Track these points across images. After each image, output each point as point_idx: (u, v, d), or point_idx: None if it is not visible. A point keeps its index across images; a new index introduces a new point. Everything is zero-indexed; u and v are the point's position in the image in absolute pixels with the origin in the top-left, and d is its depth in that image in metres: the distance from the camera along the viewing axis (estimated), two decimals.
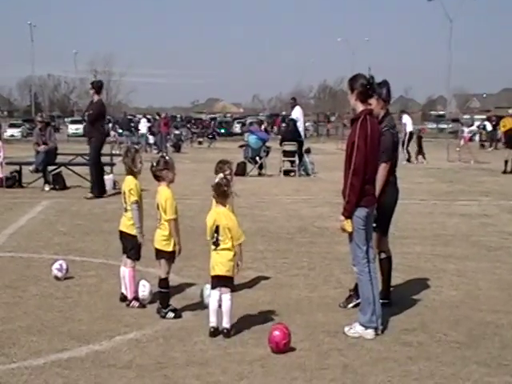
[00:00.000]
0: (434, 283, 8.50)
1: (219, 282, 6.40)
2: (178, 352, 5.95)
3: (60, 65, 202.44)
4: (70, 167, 19.29)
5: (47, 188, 17.77)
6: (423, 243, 11.09)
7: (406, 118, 31.39)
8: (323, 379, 5.40)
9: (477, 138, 47.51)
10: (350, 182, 6.32)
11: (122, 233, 7.48)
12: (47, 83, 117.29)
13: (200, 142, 48.82)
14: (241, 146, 25.98)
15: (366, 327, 6.42)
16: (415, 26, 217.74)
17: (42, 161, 17.99)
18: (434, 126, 79.82)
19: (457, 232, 12.25)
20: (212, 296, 6.46)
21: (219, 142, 49.94)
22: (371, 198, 6.50)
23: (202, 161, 26.78)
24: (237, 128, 68.42)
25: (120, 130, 43.60)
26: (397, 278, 8.21)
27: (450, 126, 68.53)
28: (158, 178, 6.91)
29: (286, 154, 23.16)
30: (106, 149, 24.61)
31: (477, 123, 49.52)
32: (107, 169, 19.00)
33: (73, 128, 63.40)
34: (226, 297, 6.36)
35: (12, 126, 64.06)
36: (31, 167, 18.38)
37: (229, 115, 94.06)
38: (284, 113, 51.78)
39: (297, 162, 22.99)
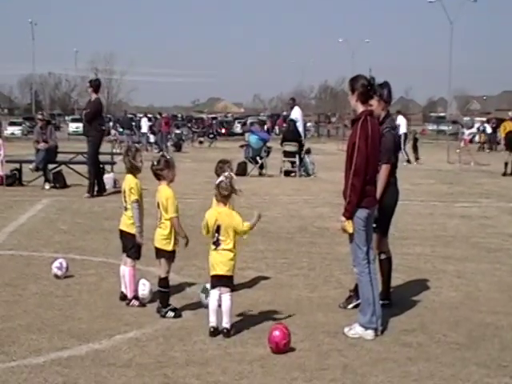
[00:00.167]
0: (434, 284, 8.51)
1: (219, 281, 6.40)
2: (178, 351, 5.96)
3: (61, 63, 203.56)
4: (71, 165, 19.29)
5: (47, 186, 17.77)
6: (423, 244, 11.09)
7: (401, 119, 31.36)
8: (323, 379, 5.40)
9: (477, 139, 47.50)
10: (350, 183, 6.32)
11: (122, 232, 7.49)
12: (48, 81, 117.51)
13: (201, 142, 48.82)
14: (241, 146, 25.96)
15: (366, 328, 6.42)
16: (416, 27, 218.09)
17: (43, 159, 17.98)
18: (435, 127, 79.78)
19: (457, 233, 12.26)
20: (212, 296, 6.46)
21: (220, 141, 49.96)
22: (372, 199, 6.51)
23: (203, 160, 26.79)
24: (237, 128, 68.46)
25: (121, 129, 43.63)
26: (397, 279, 8.21)
27: (450, 127, 68.50)
28: (158, 177, 6.91)
29: (286, 154, 23.16)
30: (106, 147, 24.68)
31: (477, 125, 49.48)
32: (108, 167, 19.01)
33: (73, 126, 63.38)
34: (226, 296, 6.37)
35: (12, 124, 64.08)
36: (31, 165, 18.37)
37: (230, 115, 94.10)
38: (285, 113, 51.67)
39: (297, 162, 22.99)
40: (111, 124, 53.74)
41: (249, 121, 65.33)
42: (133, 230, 7.33)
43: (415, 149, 31.58)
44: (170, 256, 6.90)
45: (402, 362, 5.80)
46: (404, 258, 9.65)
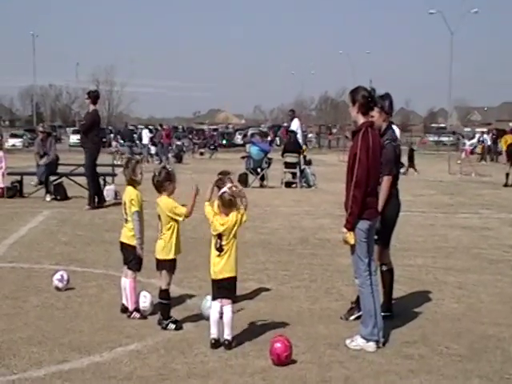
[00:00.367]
0: (436, 296, 8.49)
1: (223, 284, 6.36)
2: (179, 364, 5.94)
3: (62, 75, 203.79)
4: (72, 177, 19.30)
5: (48, 198, 17.77)
6: (424, 255, 11.07)
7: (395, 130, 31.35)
8: None
9: (477, 150, 47.52)
10: (352, 195, 6.32)
11: (122, 244, 7.48)
12: (49, 93, 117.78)
13: (202, 153, 48.88)
14: (243, 157, 25.98)
15: (368, 340, 6.40)
16: (416, 38, 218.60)
17: (44, 172, 18.00)
18: (436, 138, 79.92)
19: (458, 244, 12.24)
20: (213, 307, 6.44)
21: (221, 152, 50.02)
22: (373, 211, 6.50)
23: (204, 171, 26.79)
24: (238, 139, 68.61)
25: (121, 141, 43.68)
26: (398, 291, 8.19)
27: (451, 138, 68.63)
28: (159, 189, 6.90)
29: (287, 165, 23.18)
30: (107, 159, 24.72)
31: (478, 136, 49.54)
32: (109, 179, 19.02)
33: (74, 138, 63.30)
34: (228, 308, 6.35)
35: (13, 136, 64.16)
36: (33, 182, 18.40)
37: (230, 126, 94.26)
38: (285, 124, 51.82)
39: (298, 173, 23.02)
40: (112, 136, 53.89)
41: (249, 132, 65.47)
42: (133, 242, 7.32)
43: (411, 160, 31.59)
44: (171, 265, 6.87)
45: (404, 375, 5.78)
46: (405, 270, 9.64)
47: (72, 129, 73.92)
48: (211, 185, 6.51)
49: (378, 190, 6.71)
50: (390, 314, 7.34)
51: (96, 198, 16.45)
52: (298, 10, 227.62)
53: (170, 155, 39.14)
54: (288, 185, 23.08)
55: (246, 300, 7.94)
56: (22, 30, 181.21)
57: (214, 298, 6.47)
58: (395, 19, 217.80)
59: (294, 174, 23.25)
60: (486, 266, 10.36)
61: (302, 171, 23.16)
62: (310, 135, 74.16)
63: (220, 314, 6.36)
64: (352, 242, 6.37)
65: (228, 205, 6.36)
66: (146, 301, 7.35)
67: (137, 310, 7.29)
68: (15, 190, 18.55)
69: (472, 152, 33.82)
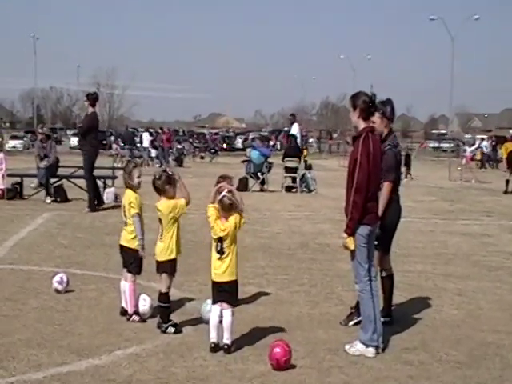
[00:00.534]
0: (435, 302, 8.48)
1: (224, 288, 6.36)
2: (179, 367, 5.93)
3: (63, 77, 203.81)
4: (72, 180, 19.29)
5: (48, 200, 17.77)
6: (424, 262, 11.07)
7: None
8: None
9: (478, 157, 47.57)
10: (352, 200, 6.32)
11: (122, 247, 7.47)
12: (50, 95, 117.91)
13: (202, 157, 48.89)
14: (243, 162, 25.99)
15: (367, 345, 6.40)
16: (418, 44, 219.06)
17: (44, 174, 18.00)
18: (436, 144, 79.98)
19: (458, 251, 12.24)
20: (213, 311, 6.44)
21: (221, 156, 50.02)
22: (374, 216, 6.50)
23: (204, 175, 26.77)
24: (239, 143, 68.69)
25: (122, 144, 43.69)
26: (398, 297, 8.19)
27: (452, 145, 68.67)
28: (159, 193, 6.90)
29: (287, 170, 23.20)
30: (108, 162, 24.71)
31: (478, 142, 49.57)
32: (109, 182, 19.01)
33: (74, 140, 63.38)
34: (227, 312, 6.35)
35: (14, 137, 64.25)
36: (33, 184, 18.39)
37: (231, 130, 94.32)
38: (286, 128, 51.85)
39: (298, 178, 23.03)
40: (113, 138, 53.89)
41: (250, 136, 65.54)
42: (133, 245, 7.32)
43: (407, 165, 31.59)
44: (172, 266, 6.86)
45: (403, 381, 5.77)
46: (405, 276, 9.63)
47: (72, 131, 74.01)
48: (214, 190, 6.50)
49: (378, 195, 6.72)
50: (389, 319, 7.34)
51: (95, 201, 16.44)
52: (299, 16, 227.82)
53: (170, 159, 39.15)
54: (288, 189, 23.09)
55: (246, 304, 7.93)
56: (22, 32, 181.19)
57: (214, 302, 6.47)
58: (397, 25, 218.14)
59: (294, 179, 23.26)
60: (486, 273, 10.35)
61: (302, 176, 23.18)
62: (310, 140, 74.20)
63: (220, 318, 6.36)
64: (352, 247, 6.37)
65: (228, 209, 6.37)
66: (145, 304, 7.34)
67: (136, 313, 7.28)
68: (15, 192, 18.54)
69: (472, 159, 33.81)
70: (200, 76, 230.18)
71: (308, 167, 24.41)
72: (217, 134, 76.01)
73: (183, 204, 6.81)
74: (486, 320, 7.75)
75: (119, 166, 27.06)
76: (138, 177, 7.39)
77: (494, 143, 48.62)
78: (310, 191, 23.01)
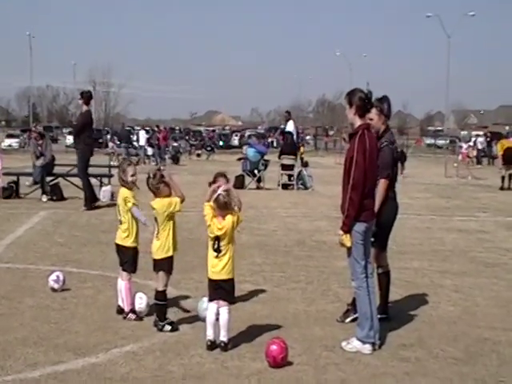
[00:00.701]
0: (432, 299, 8.49)
1: (220, 285, 6.36)
2: (175, 365, 5.93)
3: (59, 76, 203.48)
4: (68, 178, 19.27)
5: (45, 199, 17.75)
6: (421, 258, 11.08)
7: None
8: None
9: (471, 154, 47.58)
10: (349, 197, 6.31)
11: (117, 245, 7.47)
12: (46, 94, 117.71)
13: (198, 155, 48.87)
14: (239, 159, 25.99)
15: (364, 342, 6.40)
16: (413, 42, 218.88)
17: (40, 172, 17.98)
18: (432, 141, 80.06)
19: (454, 248, 12.25)
20: (209, 309, 6.43)
21: (217, 154, 50.00)
22: (370, 213, 6.50)
23: (200, 173, 26.76)
24: (235, 141, 68.65)
25: (118, 142, 43.64)
26: (394, 293, 8.19)
27: (448, 141, 68.75)
28: (154, 192, 6.88)
29: (284, 167, 23.20)
30: (104, 160, 24.68)
31: (473, 139, 49.61)
32: (105, 180, 18.99)
33: (70, 139, 63.13)
34: (224, 310, 6.34)
35: (10, 136, 64.14)
36: (28, 182, 18.36)
37: (227, 128, 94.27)
38: (282, 126, 52.03)
39: (295, 175, 23.04)
40: (109, 137, 53.81)
41: (247, 133, 65.50)
42: (127, 243, 7.31)
43: (401, 162, 31.56)
44: (169, 264, 6.84)
45: (400, 377, 5.78)
46: (401, 273, 9.63)
47: (68, 130, 73.89)
48: (210, 188, 6.48)
49: (375, 192, 6.72)
50: (386, 316, 7.34)
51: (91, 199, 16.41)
52: (296, 15, 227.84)
53: (166, 157, 39.13)
54: (285, 187, 23.09)
55: (242, 302, 7.93)
56: (18, 30, 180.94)
57: (210, 300, 6.46)
58: (393, 23, 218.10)
59: (290, 176, 23.27)
60: (482, 270, 10.37)
61: (298, 173, 23.19)
62: (307, 137, 74.21)
63: (216, 316, 6.35)
64: (348, 244, 6.37)
65: (223, 207, 6.36)
66: (141, 302, 7.34)
67: (132, 311, 7.27)
68: (11, 191, 18.51)
69: (468, 155, 33.85)
70: (196, 74, 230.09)
71: (304, 164, 24.42)
72: (213, 131, 75.99)
73: (178, 201, 6.80)
74: (482, 316, 7.76)
75: (115, 164, 27.00)
76: (132, 175, 7.36)
77: (488, 139, 48.67)
78: (306, 188, 23.02)
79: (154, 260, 6.91)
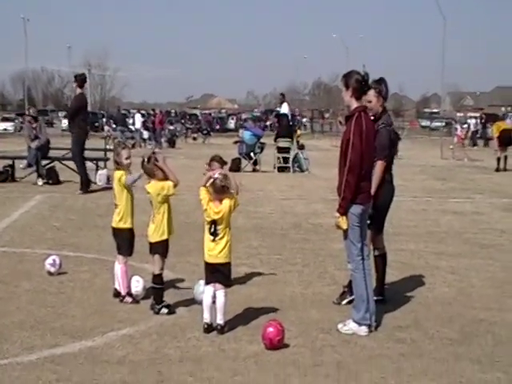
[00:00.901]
0: (428, 280, 8.52)
1: (217, 269, 6.36)
2: (172, 348, 5.95)
3: (54, 59, 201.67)
4: (64, 162, 19.22)
5: (40, 182, 17.73)
6: (416, 240, 11.10)
7: None
8: (317, 376, 5.40)
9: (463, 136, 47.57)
10: (345, 179, 6.31)
11: (113, 229, 7.47)
12: (41, 77, 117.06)
13: (194, 138, 48.77)
14: (235, 142, 25.96)
15: (360, 324, 6.42)
16: (410, 24, 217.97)
17: (35, 155, 17.94)
18: (428, 123, 79.99)
19: (450, 229, 12.28)
20: (206, 292, 6.44)
21: (214, 137, 49.90)
22: (367, 196, 6.50)
23: (197, 157, 26.71)
24: (231, 124, 68.51)
25: (114, 125, 43.54)
26: (390, 275, 8.20)
27: (444, 123, 68.66)
28: (149, 175, 6.89)
29: (280, 150, 23.18)
30: (100, 144, 24.60)
31: (469, 121, 49.58)
32: (101, 164, 18.95)
33: (66, 122, 63.13)
34: (221, 293, 6.35)
35: (5, 119, 63.87)
36: (22, 165, 18.32)
37: (223, 111, 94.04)
38: (278, 109, 51.96)
39: (291, 158, 23.03)
40: (104, 120, 53.69)
41: (243, 117, 65.37)
42: (123, 226, 7.30)
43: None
44: (163, 247, 6.85)
45: (396, 359, 5.81)
46: (397, 254, 9.65)
47: (64, 113, 73.67)
48: (207, 175, 6.46)
49: (371, 174, 6.71)
50: (382, 298, 7.37)
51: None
52: None
53: (162, 140, 39.06)
54: (281, 169, 23.09)
55: (239, 285, 7.94)
56: (12, 13, 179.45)
57: (207, 283, 6.47)
58: (389, 4, 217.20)
59: (286, 159, 23.26)
60: (478, 251, 10.40)
61: (294, 156, 23.18)
62: (304, 120, 74.04)
63: (213, 299, 6.37)
64: (345, 226, 6.38)
65: (220, 191, 6.35)
66: (138, 285, 7.35)
67: (129, 294, 7.29)
68: (7, 174, 18.48)
69: (462, 137, 33.85)
70: (192, 57, 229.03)
71: (300, 147, 24.40)
72: (210, 114, 75.83)
73: (170, 185, 6.78)
74: (477, 297, 7.79)
75: (111, 147, 26.94)
76: (127, 158, 7.34)
77: (483, 121, 48.58)
78: (302, 171, 23.02)
79: (150, 243, 6.92)
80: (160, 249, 6.87)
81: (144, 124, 40.77)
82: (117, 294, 7.38)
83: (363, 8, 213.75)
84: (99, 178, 17.76)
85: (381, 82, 7.33)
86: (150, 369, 5.48)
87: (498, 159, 25.23)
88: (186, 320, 6.71)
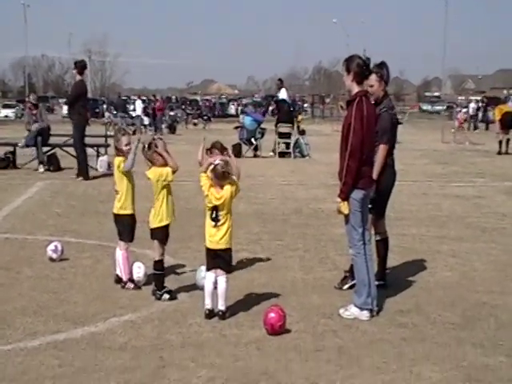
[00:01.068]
0: (429, 264, 8.51)
1: (218, 255, 6.36)
2: (174, 334, 5.95)
3: (54, 45, 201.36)
4: (65, 148, 19.18)
5: (42, 169, 17.72)
6: (418, 224, 11.10)
7: None
8: (319, 361, 5.41)
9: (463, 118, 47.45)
10: (346, 164, 6.28)
11: (115, 215, 7.46)
12: (41, 64, 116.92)
13: (195, 124, 48.68)
14: (236, 128, 25.90)
15: (361, 309, 6.42)
16: (411, 7, 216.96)
17: (34, 137, 17.87)
18: (429, 107, 79.81)
19: (451, 213, 12.26)
20: (207, 278, 6.44)
21: (214, 123, 49.80)
22: (368, 180, 6.48)
23: (197, 143, 26.69)
24: (232, 109, 68.35)
25: (114, 112, 43.47)
26: (392, 260, 8.20)
27: (445, 107, 68.52)
28: (150, 161, 6.88)
29: (281, 135, 23.14)
30: (100, 130, 24.55)
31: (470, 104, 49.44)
32: (102, 150, 18.92)
33: (66, 109, 63.01)
34: (222, 279, 6.35)
35: (6, 106, 63.78)
36: (20, 143, 18.22)
37: (224, 96, 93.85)
38: (278, 94, 51.67)
39: (292, 143, 23.00)
40: (105, 106, 53.60)
41: (243, 102, 65.19)
42: (123, 212, 7.29)
43: None
44: (163, 233, 6.84)
45: (397, 343, 5.81)
46: (399, 239, 9.65)
47: (65, 100, 73.49)
48: (207, 161, 6.43)
49: (373, 159, 6.69)
50: (383, 283, 7.37)
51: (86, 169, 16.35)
52: None
53: (163, 126, 39.00)
54: (281, 155, 23.05)
55: (240, 270, 7.95)
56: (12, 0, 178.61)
57: (208, 269, 6.47)
58: None
59: (287, 144, 23.22)
60: (480, 235, 10.39)
61: (295, 141, 23.15)
62: (305, 105, 73.80)
63: (214, 285, 6.37)
64: (346, 211, 6.36)
65: (222, 177, 6.33)
66: (139, 271, 7.35)
67: (131, 280, 7.29)
68: (8, 161, 18.47)
69: (466, 120, 33.84)
70: (192, 43, 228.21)
71: (301, 132, 24.34)
72: (210, 100, 75.66)
73: (169, 171, 6.77)
74: (480, 281, 7.79)
75: (112, 134, 26.90)
76: (127, 144, 7.32)
77: (484, 104, 48.39)
78: (303, 156, 22.99)
79: (150, 229, 6.92)
80: (159, 235, 6.86)
81: (144, 110, 40.70)
82: (118, 280, 7.38)
83: None
84: (100, 164, 17.74)
85: (382, 66, 7.30)
86: (151, 354, 5.49)
87: (500, 142, 25.18)
88: (188, 306, 6.72)
